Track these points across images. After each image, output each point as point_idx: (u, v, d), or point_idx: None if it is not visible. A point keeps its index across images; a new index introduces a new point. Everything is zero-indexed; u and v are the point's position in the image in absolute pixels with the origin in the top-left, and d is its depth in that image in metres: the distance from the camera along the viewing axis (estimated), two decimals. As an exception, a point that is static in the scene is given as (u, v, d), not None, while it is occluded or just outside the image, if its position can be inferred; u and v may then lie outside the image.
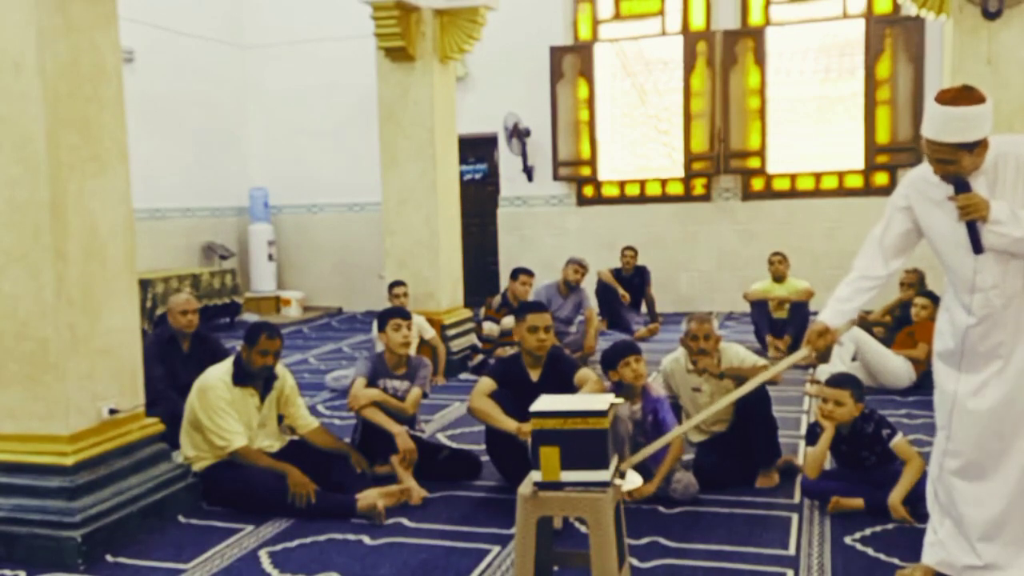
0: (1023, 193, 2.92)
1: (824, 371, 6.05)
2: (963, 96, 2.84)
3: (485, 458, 4.72)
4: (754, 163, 10.30)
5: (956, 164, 2.87)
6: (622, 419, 4.15)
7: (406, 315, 4.98)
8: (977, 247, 2.92)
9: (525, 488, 2.87)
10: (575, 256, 8.32)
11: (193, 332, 5.73)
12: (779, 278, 8.14)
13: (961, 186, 2.90)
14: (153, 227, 10.32)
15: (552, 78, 10.73)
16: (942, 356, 3.16)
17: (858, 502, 3.99)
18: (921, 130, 2.95)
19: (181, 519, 4.18)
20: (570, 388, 4.31)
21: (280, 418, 4.66)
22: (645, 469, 4.19)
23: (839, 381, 4.13)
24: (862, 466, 4.11)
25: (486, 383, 4.46)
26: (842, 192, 10.28)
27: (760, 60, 10.16)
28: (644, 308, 9.42)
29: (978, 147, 2.87)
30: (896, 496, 3.90)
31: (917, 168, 3.13)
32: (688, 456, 4.64)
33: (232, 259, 11.38)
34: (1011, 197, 2.91)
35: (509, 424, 4.22)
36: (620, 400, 3.13)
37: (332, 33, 11.14)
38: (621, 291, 9.13)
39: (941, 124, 2.85)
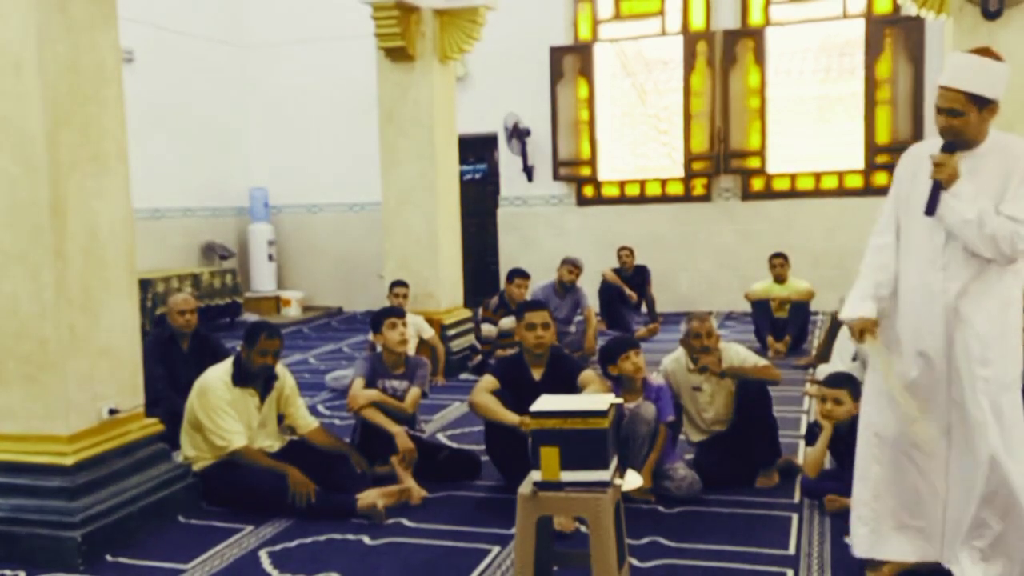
0: (998, 188, 2.95)
1: (824, 371, 6.05)
2: (983, 52, 2.96)
3: (485, 458, 4.72)
4: (754, 163, 10.31)
5: (964, 119, 2.93)
6: (645, 420, 4.18)
7: (400, 313, 4.97)
8: (931, 208, 3.00)
9: (525, 488, 2.87)
10: (569, 256, 8.30)
11: (193, 332, 5.74)
12: (780, 280, 8.14)
13: (949, 147, 2.98)
14: (153, 227, 10.32)
15: (552, 78, 10.73)
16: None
17: (858, 502, 3.98)
18: (938, 81, 3.00)
19: (181, 519, 4.18)
20: (572, 389, 4.29)
21: (280, 418, 4.66)
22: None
23: (838, 380, 4.16)
24: (862, 466, 4.11)
25: (488, 380, 4.45)
26: (842, 192, 10.27)
27: (760, 60, 10.16)
28: (644, 308, 9.42)
29: (987, 109, 2.93)
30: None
31: (920, 143, 3.24)
32: (688, 456, 4.65)
33: (232, 259, 11.38)
34: (988, 190, 2.95)
35: (511, 417, 4.20)
36: (620, 400, 3.13)
37: (332, 33, 11.14)
38: (629, 291, 9.13)
39: (957, 70, 2.94)
